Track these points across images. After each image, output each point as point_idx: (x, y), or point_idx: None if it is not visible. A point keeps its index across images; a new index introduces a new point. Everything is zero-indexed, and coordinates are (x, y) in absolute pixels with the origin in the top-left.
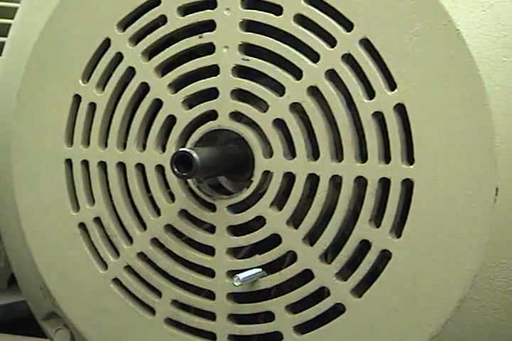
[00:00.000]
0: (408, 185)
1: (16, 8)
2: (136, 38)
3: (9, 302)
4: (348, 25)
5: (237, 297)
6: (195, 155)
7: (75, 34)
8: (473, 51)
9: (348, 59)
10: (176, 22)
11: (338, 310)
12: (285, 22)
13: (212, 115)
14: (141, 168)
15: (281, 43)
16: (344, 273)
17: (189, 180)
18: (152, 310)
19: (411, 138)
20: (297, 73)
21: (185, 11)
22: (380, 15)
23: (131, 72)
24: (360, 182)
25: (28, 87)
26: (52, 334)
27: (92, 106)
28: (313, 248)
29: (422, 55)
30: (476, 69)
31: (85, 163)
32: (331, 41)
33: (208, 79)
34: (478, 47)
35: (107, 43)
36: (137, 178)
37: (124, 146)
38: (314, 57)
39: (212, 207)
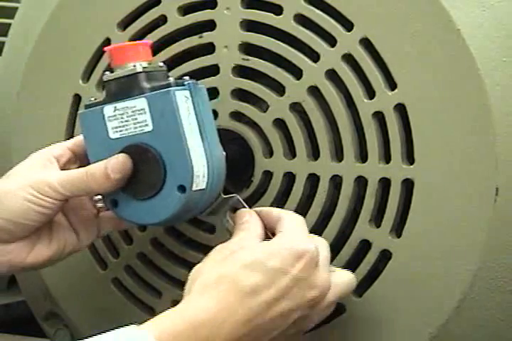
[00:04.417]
0: (408, 185)
1: (15, 8)
2: (136, 38)
3: (9, 302)
4: (348, 25)
5: None
6: None
7: (74, 34)
8: (473, 51)
9: (348, 59)
10: (176, 22)
11: (338, 309)
12: (285, 22)
13: None
14: None
15: (281, 43)
16: None
17: None
18: (152, 310)
19: (411, 138)
20: (297, 73)
21: (185, 10)
22: (380, 15)
23: None
24: (360, 182)
25: (28, 86)
26: (52, 334)
27: None
28: None
29: (422, 54)
30: (476, 69)
31: None
32: (331, 41)
33: (208, 79)
34: (478, 47)
35: (107, 43)
36: None
37: None
38: (314, 57)
39: None
